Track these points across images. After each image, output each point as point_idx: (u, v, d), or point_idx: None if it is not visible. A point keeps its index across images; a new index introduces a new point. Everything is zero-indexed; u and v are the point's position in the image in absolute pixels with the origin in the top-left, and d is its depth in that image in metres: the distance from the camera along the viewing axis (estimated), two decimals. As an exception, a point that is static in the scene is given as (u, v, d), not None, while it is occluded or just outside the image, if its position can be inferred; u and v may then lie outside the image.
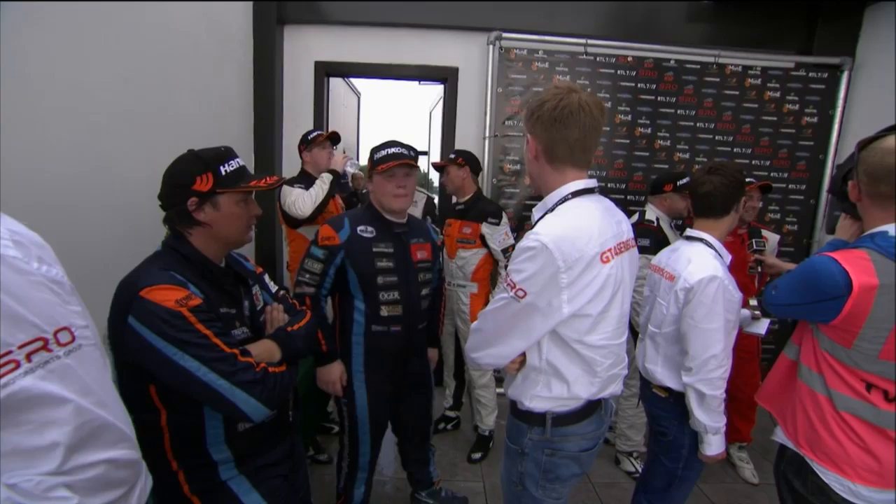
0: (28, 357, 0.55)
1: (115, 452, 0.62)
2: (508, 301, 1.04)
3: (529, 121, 1.10)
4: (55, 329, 0.59)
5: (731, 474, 2.52)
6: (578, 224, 1.03)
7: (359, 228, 1.60)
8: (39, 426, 0.55)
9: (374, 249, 1.59)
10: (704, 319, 1.36)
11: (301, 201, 2.24)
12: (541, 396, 1.14)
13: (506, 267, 1.68)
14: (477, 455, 2.56)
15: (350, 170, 2.47)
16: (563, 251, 0.98)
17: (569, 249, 0.98)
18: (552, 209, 1.09)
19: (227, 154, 1.09)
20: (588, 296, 1.03)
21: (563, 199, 1.08)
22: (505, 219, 2.45)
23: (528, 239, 1.01)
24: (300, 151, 2.48)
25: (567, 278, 0.99)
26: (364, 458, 1.76)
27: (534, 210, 1.16)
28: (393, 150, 1.60)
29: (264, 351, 1.06)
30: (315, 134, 2.45)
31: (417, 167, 1.66)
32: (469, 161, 2.49)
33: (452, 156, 2.53)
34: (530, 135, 1.10)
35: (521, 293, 1.01)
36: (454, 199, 2.64)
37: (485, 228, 2.38)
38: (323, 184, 2.30)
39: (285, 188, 2.30)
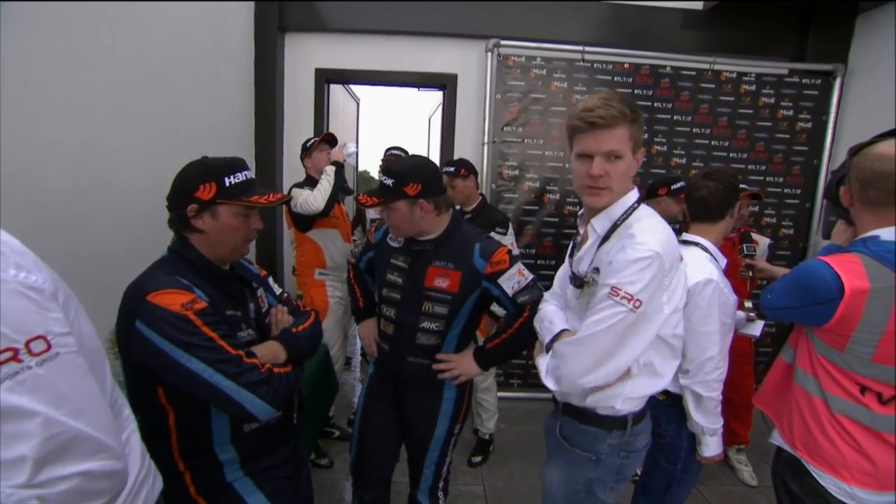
0: None
1: (91, 464, 0.60)
2: (625, 314, 1.01)
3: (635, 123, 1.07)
4: (27, 338, 0.57)
5: (730, 476, 2.53)
6: (665, 227, 1.08)
7: (390, 236, 1.53)
8: (6, 439, 0.54)
9: (392, 260, 1.50)
10: (701, 322, 1.38)
11: (312, 198, 2.26)
12: (632, 398, 1.16)
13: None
14: (477, 458, 2.56)
15: (351, 149, 2.50)
16: (667, 255, 1.02)
17: (669, 253, 1.03)
18: (625, 218, 1.09)
19: (235, 165, 1.09)
20: (679, 292, 1.09)
21: (633, 208, 1.11)
22: (511, 229, 2.46)
23: (637, 250, 1.01)
24: (302, 160, 2.52)
25: (667, 280, 1.04)
26: (351, 452, 1.67)
27: (594, 222, 1.13)
28: (382, 173, 1.43)
29: (269, 352, 1.07)
30: (312, 141, 2.50)
31: (393, 200, 1.37)
32: (472, 170, 2.47)
33: (452, 169, 2.42)
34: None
35: (637, 304, 1.00)
36: (458, 207, 2.59)
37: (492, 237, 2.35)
38: (328, 176, 2.33)
39: (294, 191, 2.32)
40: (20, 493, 0.54)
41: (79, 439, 0.59)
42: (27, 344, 0.57)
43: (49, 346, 0.59)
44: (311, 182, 2.41)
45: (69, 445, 0.58)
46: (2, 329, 0.55)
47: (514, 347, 1.47)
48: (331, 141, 2.54)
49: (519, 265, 1.41)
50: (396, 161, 1.45)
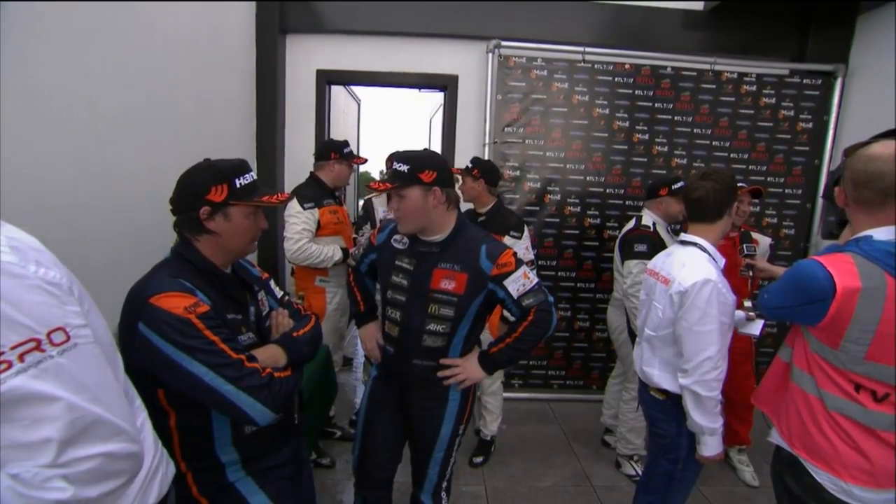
0: (21, 357, 0.58)
1: (110, 446, 0.64)
2: None
3: None
4: (49, 330, 0.61)
5: (732, 477, 2.53)
6: None
7: (395, 238, 1.52)
8: (32, 422, 0.58)
9: (396, 262, 1.49)
10: (699, 322, 1.39)
11: (301, 249, 2.25)
12: None
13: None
14: (478, 459, 2.57)
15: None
16: None
17: None
18: None
19: (242, 167, 1.12)
20: None
21: None
22: (526, 233, 2.41)
23: None
24: (328, 156, 2.44)
25: None
26: (354, 454, 1.66)
27: None
28: (391, 165, 1.45)
29: (270, 356, 1.08)
30: (350, 151, 2.48)
31: (408, 186, 1.36)
32: (485, 174, 2.42)
33: (469, 165, 2.42)
34: None
35: None
36: (473, 208, 2.54)
37: (506, 241, 2.27)
38: (333, 257, 2.34)
39: (294, 208, 2.29)
40: (46, 473, 0.59)
41: (98, 423, 0.63)
42: (49, 335, 0.61)
43: (68, 337, 0.63)
44: (316, 191, 2.38)
45: (90, 428, 0.62)
46: (25, 321, 0.59)
47: (519, 351, 1.47)
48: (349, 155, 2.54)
49: (524, 268, 1.42)
50: (406, 151, 1.44)
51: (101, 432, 0.63)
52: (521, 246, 2.33)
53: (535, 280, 1.44)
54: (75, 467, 0.61)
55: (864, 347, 1.02)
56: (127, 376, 0.82)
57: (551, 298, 1.46)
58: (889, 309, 0.99)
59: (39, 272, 0.63)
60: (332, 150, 2.45)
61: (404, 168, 1.36)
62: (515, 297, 1.40)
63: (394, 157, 1.44)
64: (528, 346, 1.45)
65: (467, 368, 1.48)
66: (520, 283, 1.40)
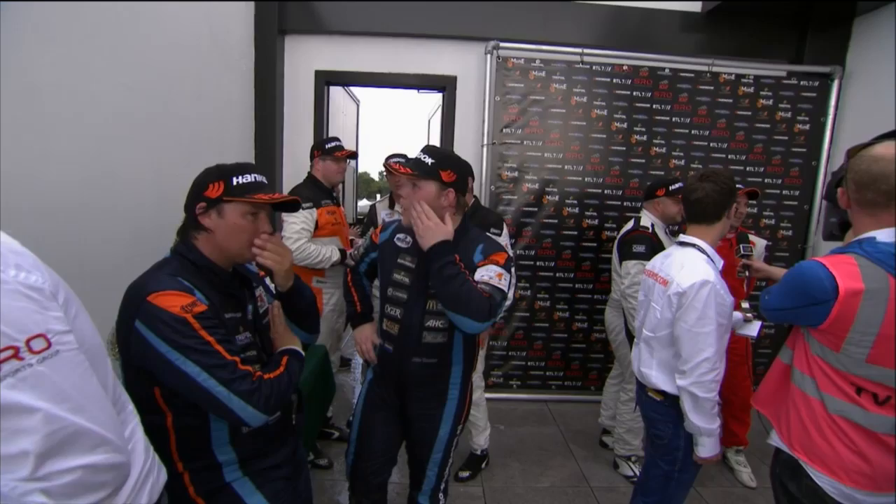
0: None
1: (93, 458, 0.61)
2: None
3: None
4: (28, 337, 0.58)
5: (730, 478, 2.54)
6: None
7: (398, 236, 1.53)
8: (9, 434, 0.55)
9: (399, 260, 1.50)
10: (697, 323, 1.39)
11: (300, 249, 2.25)
12: None
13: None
14: (464, 474, 2.45)
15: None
16: None
17: None
18: None
19: (245, 168, 1.12)
20: None
21: None
22: (506, 230, 2.41)
23: None
24: (313, 155, 2.46)
25: None
26: (348, 458, 1.65)
27: None
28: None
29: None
30: (334, 146, 2.44)
31: (426, 178, 1.37)
32: (471, 172, 2.44)
33: None
34: None
35: None
36: None
37: None
38: (331, 258, 2.35)
39: (294, 219, 2.28)
40: (24, 486, 0.56)
41: (80, 434, 0.61)
42: (28, 342, 0.58)
43: (49, 344, 0.60)
44: (313, 188, 2.39)
45: (71, 440, 0.60)
46: (3, 328, 0.56)
47: (455, 280, 1.30)
48: (351, 156, 2.53)
49: (504, 272, 1.37)
50: (436, 146, 1.47)
51: (83, 443, 0.61)
52: (501, 241, 2.33)
53: (504, 286, 1.36)
54: (55, 480, 0.58)
55: (866, 350, 1.01)
56: (119, 381, 0.80)
57: (504, 310, 1.50)
58: (891, 311, 0.98)
59: (19, 276, 0.60)
60: (314, 150, 2.47)
61: (428, 161, 1.39)
62: (476, 280, 1.33)
63: (423, 149, 1.46)
64: (458, 287, 1.28)
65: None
66: (489, 275, 1.35)
